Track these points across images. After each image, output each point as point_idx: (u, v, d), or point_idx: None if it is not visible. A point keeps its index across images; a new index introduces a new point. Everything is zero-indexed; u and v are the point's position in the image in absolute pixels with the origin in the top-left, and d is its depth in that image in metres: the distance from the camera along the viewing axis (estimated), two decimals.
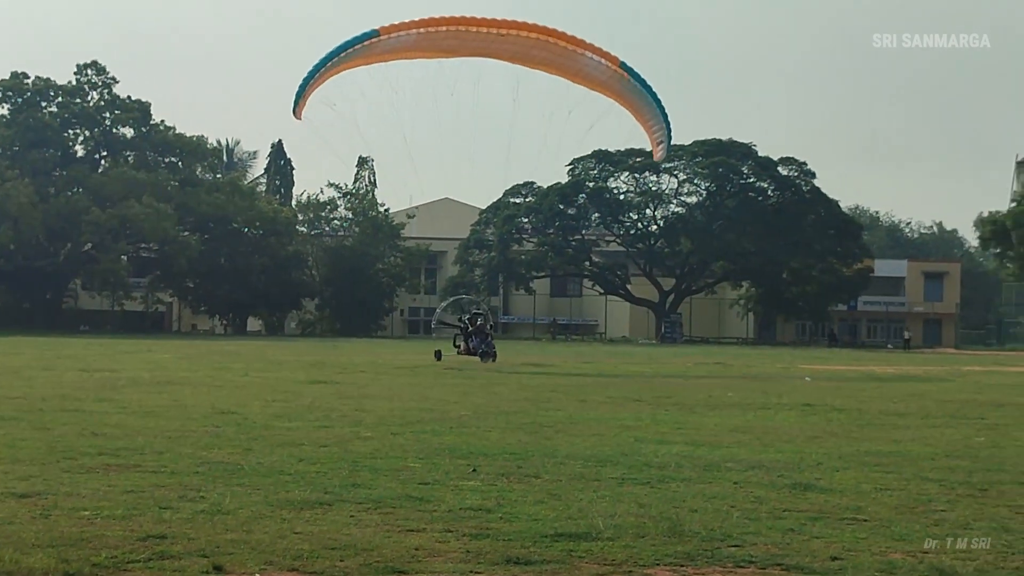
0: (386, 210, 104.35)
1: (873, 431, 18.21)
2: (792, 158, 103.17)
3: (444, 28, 31.69)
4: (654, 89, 34.82)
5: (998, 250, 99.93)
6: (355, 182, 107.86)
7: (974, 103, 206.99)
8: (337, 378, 30.17)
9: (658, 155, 37.75)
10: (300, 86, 31.94)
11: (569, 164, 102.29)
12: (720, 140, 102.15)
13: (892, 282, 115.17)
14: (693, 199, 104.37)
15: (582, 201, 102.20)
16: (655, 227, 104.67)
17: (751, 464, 13.71)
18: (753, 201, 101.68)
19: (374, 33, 31.03)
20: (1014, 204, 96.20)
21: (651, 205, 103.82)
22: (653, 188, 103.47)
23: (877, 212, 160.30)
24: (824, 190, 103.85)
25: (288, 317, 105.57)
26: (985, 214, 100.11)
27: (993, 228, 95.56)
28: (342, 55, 31.50)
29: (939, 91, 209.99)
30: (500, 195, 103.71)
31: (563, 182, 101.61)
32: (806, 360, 54.04)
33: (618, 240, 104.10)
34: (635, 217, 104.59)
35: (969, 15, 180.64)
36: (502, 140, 37.61)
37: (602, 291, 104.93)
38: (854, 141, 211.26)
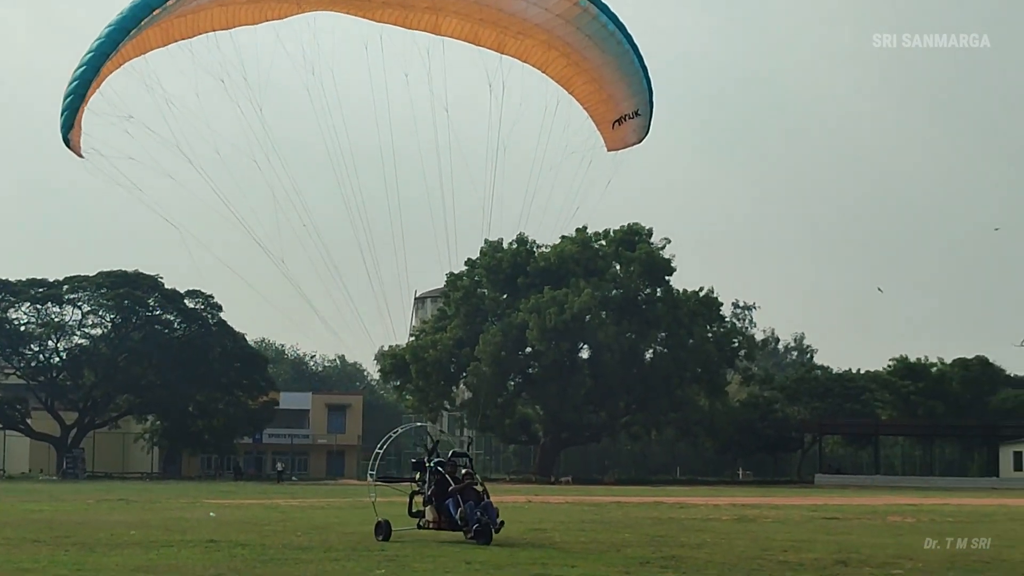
0: None
1: (276, 566, 18.27)
2: (199, 291, 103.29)
3: None
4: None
5: (398, 382, 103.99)
6: None
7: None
8: None
9: (632, 137, 24.05)
10: (72, 93, 20.83)
11: None
12: (126, 272, 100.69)
13: (297, 414, 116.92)
14: (98, 331, 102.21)
15: None
16: (58, 359, 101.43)
17: None
18: (159, 334, 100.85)
19: None
20: (412, 338, 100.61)
21: (54, 337, 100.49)
22: (56, 319, 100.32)
23: (282, 345, 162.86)
24: (230, 323, 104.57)
25: None
26: (386, 348, 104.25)
27: (393, 361, 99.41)
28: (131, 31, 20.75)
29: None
30: None
31: None
32: (212, 495, 53.65)
33: (18, 373, 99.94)
34: (36, 349, 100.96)
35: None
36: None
37: (1, 426, 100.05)
38: (262, 274, 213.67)
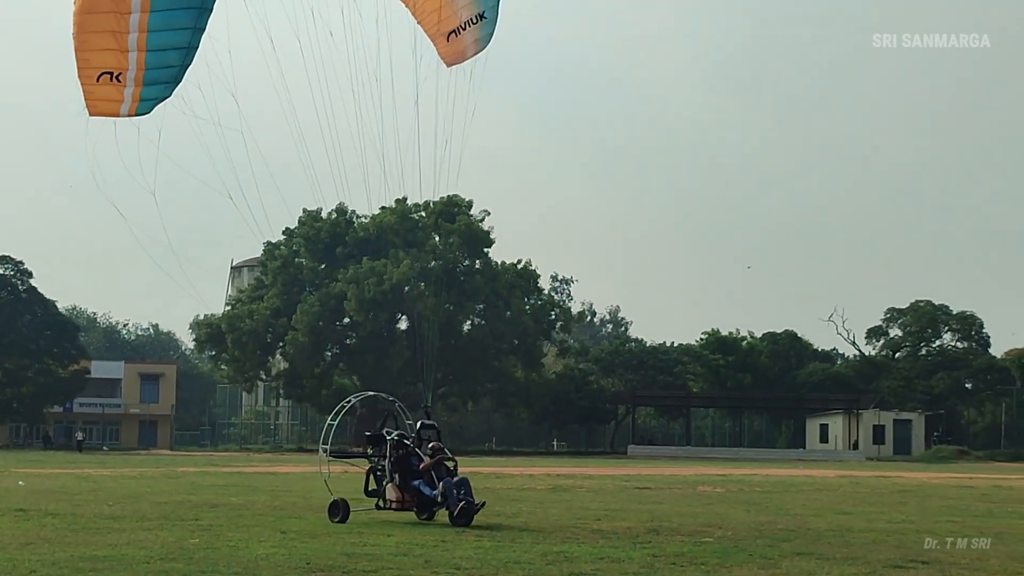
0: None
1: (88, 535, 17.99)
2: (9, 257, 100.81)
3: None
4: None
5: (213, 352, 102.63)
6: None
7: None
8: None
9: (472, 48, 20.97)
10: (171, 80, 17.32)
11: None
12: None
13: (109, 383, 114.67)
14: None
15: None
16: None
17: None
18: None
19: None
20: (229, 307, 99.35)
21: None
22: None
23: (95, 313, 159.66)
24: (41, 290, 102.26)
25: None
26: (201, 317, 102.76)
27: (209, 331, 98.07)
28: None
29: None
30: None
31: None
32: (20, 464, 52.48)
33: None
34: None
35: None
36: None
37: None
38: (55, 236, 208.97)
